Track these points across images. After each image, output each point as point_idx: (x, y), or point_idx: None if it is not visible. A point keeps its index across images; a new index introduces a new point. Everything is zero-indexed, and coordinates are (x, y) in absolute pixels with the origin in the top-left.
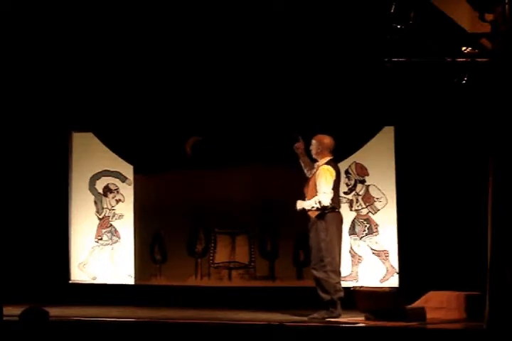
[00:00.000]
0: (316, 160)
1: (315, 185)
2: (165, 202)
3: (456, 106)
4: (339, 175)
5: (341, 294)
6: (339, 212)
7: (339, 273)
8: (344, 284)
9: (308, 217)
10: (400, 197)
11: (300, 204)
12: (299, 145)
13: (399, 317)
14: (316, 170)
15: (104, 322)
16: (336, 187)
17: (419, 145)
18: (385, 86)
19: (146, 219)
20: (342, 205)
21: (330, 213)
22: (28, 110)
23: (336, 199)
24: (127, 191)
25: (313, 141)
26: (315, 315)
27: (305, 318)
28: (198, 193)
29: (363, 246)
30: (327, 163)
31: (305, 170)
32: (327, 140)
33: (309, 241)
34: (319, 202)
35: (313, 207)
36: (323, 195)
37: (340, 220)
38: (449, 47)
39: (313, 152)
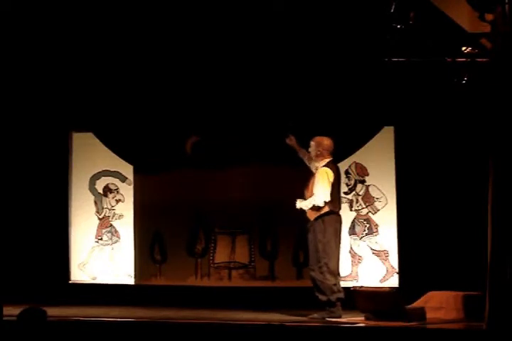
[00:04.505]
0: (315, 162)
1: (313, 186)
2: (165, 202)
3: (456, 106)
4: (339, 176)
5: (340, 295)
6: (338, 214)
7: (337, 274)
8: (344, 284)
9: (306, 218)
10: (400, 197)
11: (299, 203)
12: (290, 139)
13: (399, 317)
14: (316, 172)
15: (104, 322)
16: (335, 189)
17: (419, 145)
18: (385, 86)
19: (146, 219)
20: (342, 205)
21: (328, 215)
22: (28, 110)
23: (336, 202)
24: (127, 191)
25: (312, 143)
26: (315, 315)
27: (305, 318)
28: (198, 193)
29: (363, 246)
30: (326, 165)
31: (308, 164)
32: (326, 141)
33: (307, 242)
34: (312, 203)
35: (307, 207)
36: (317, 196)
37: (339, 222)
38: (449, 47)
39: (313, 154)
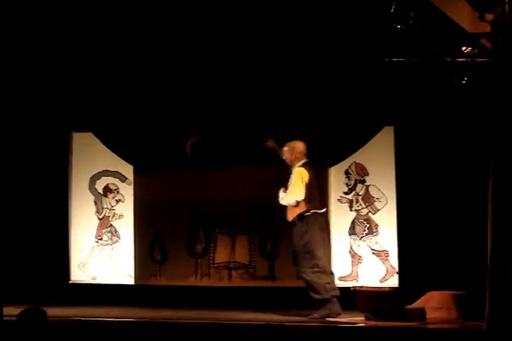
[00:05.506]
0: (292, 167)
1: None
2: (165, 202)
3: (456, 106)
4: (317, 176)
5: (335, 292)
6: (322, 213)
7: (330, 272)
8: (344, 284)
9: (286, 220)
10: (400, 197)
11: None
12: (270, 143)
13: (399, 317)
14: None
15: (104, 322)
16: (313, 189)
17: (419, 145)
18: (385, 86)
19: (146, 219)
20: (342, 205)
21: (309, 215)
22: (28, 110)
23: (316, 201)
24: (127, 191)
25: (285, 149)
26: (315, 315)
27: (305, 318)
28: (198, 193)
29: (363, 246)
30: (301, 166)
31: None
32: (298, 145)
33: (295, 246)
34: (284, 198)
35: (280, 201)
36: (289, 194)
37: (324, 221)
38: (449, 47)
39: (288, 159)
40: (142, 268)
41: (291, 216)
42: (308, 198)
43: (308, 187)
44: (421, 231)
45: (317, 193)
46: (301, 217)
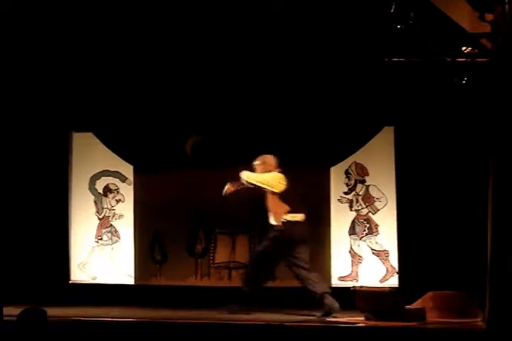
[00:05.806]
0: None
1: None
2: (165, 202)
3: (456, 106)
4: (300, 184)
5: (324, 289)
6: (302, 223)
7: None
8: (344, 284)
9: (274, 225)
10: (400, 197)
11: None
12: (236, 185)
13: (399, 317)
14: None
15: (104, 322)
16: (291, 193)
17: (419, 145)
18: (385, 86)
19: (146, 219)
20: (342, 205)
21: (288, 222)
22: (28, 110)
23: (296, 205)
24: (127, 191)
25: (257, 163)
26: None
27: (304, 317)
28: (198, 193)
29: (363, 246)
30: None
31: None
32: (269, 159)
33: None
34: (244, 173)
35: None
36: (256, 176)
37: (305, 230)
38: (449, 47)
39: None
40: (142, 268)
41: (274, 220)
42: (288, 202)
43: (288, 191)
44: (421, 231)
45: (297, 199)
46: (282, 222)
